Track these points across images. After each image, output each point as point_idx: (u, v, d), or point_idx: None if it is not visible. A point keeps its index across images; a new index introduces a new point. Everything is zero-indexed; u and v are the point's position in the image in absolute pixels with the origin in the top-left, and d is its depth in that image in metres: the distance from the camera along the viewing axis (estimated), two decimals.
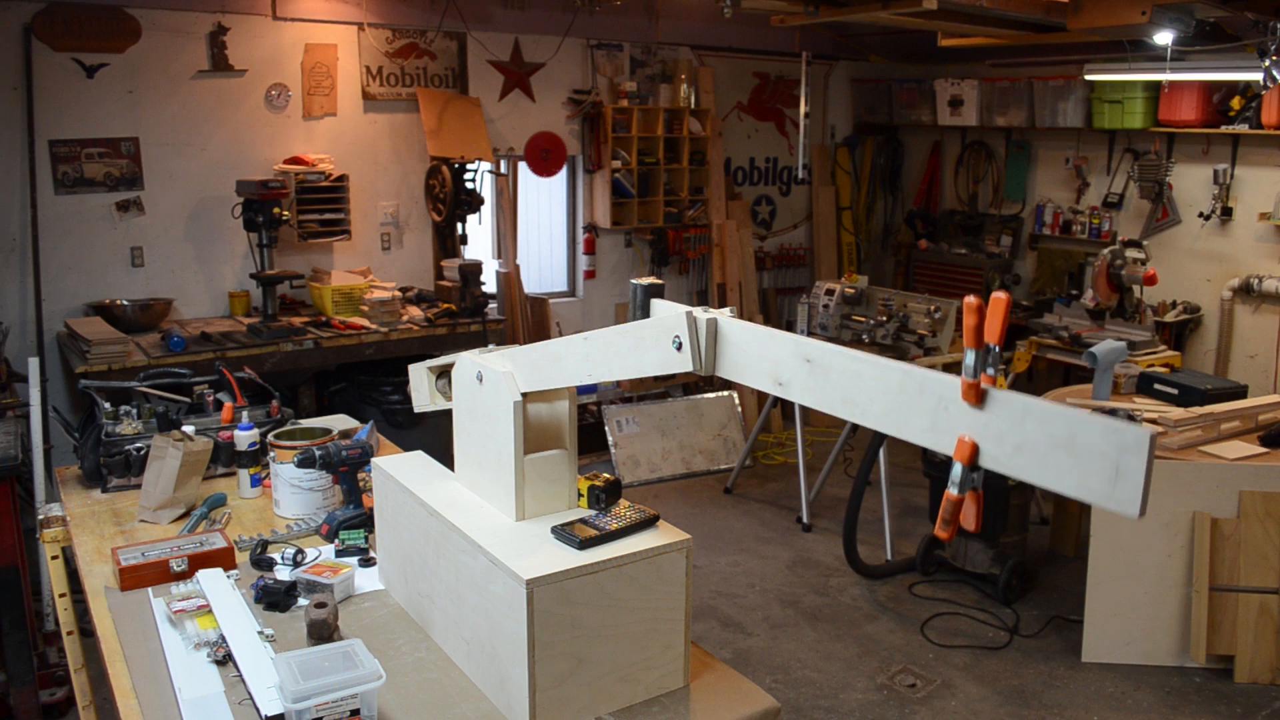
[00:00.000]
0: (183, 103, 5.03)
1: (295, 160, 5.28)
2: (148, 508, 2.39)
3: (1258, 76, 4.31)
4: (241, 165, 5.18)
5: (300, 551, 2.15)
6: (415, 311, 5.17)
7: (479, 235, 6.04)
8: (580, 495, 1.82)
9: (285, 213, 4.90)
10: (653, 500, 5.56)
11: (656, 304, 1.63)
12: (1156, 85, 5.86)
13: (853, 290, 5.33)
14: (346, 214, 5.35)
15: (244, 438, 2.53)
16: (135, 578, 2.03)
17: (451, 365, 1.99)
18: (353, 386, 5.05)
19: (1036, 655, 3.95)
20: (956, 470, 1.08)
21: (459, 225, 5.54)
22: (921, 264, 7.68)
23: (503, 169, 6.10)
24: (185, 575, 2.06)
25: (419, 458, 2.10)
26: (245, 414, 2.73)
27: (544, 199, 6.64)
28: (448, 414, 2.02)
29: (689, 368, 1.43)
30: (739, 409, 6.31)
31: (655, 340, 1.48)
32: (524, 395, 1.72)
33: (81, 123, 4.80)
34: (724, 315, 1.43)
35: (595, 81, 6.38)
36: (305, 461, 2.27)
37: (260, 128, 5.27)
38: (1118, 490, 0.95)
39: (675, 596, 1.69)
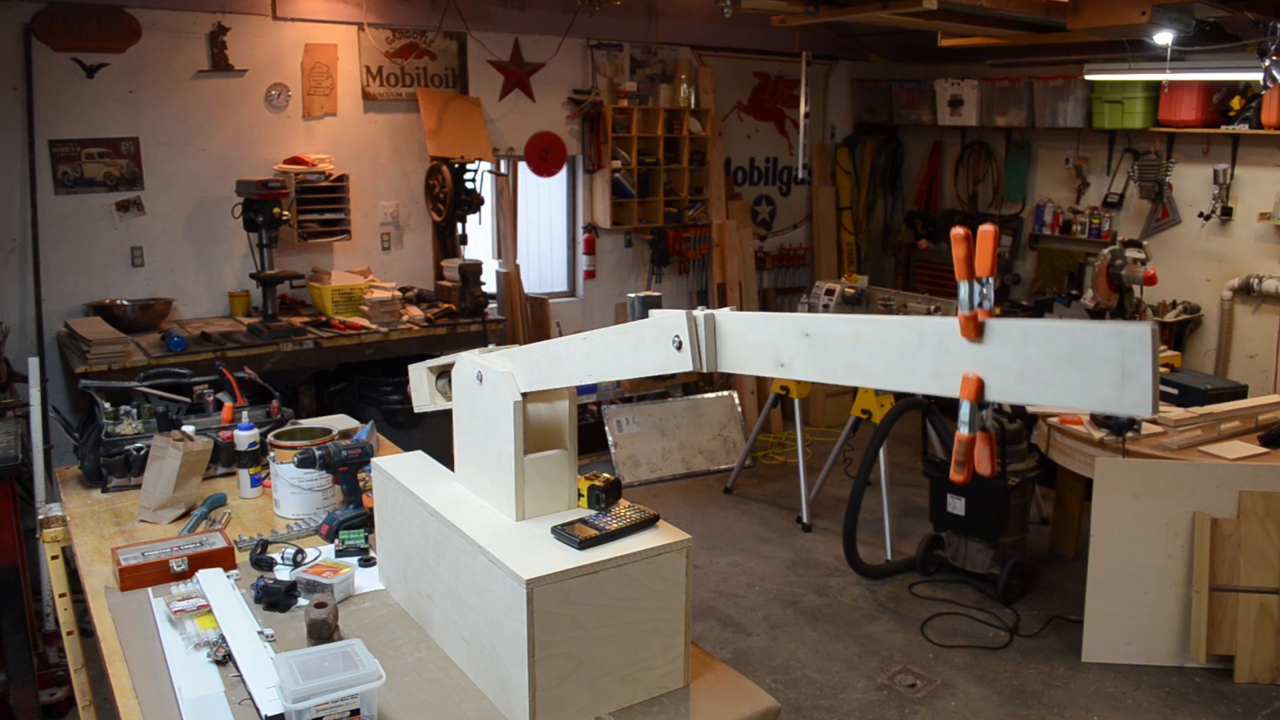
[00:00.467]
0: (183, 103, 5.03)
1: (295, 160, 5.28)
2: (148, 508, 2.39)
3: (1258, 76, 4.31)
4: (241, 165, 5.18)
5: (300, 551, 2.15)
6: (415, 311, 5.17)
7: (479, 235, 6.04)
8: (580, 495, 1.82)
9: (285, 213, 4.89)
10: (653, 500, 5.56)
11: (655, 314, 1.64)
12: (1156, 85, 5.86)
13: (853, 290, 5.33)
14: (346, 214, 5.35)
15: (244, 438, 2.53)
16: (135, 578, 2.03)
17: (451, 365, 1.99)
18: (353, 386, 5.06)
19: (1036, 655, 3.95)
20: (964, 409, 1.07)
21: (459, 225, 5.54)
22: (921, 264, 7.68)
23: (503, 169, 6.10)
24: (185, 575, 2.06)
25: (419, 458, 2.09)
26: (245, 414, 2.73)
27: (544, 199, 6.64)
28: (448, 414, 2.02)
29: (689, 367, 1.43)
30: (739, 409, 6.31)
31: (655, 340, 1.48)
32: (524, 395, 1.72)
33: (81, 123, 4.80)
34: (722, 311, 1.44)
35: (595, 81, 6.38)
36: (305, 461, 2.27)
37: (260, 128, 5.27)
38: (1127, 392, 0.95)
39: (675, 596, 1.69)
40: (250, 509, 2.50)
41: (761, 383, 6.78)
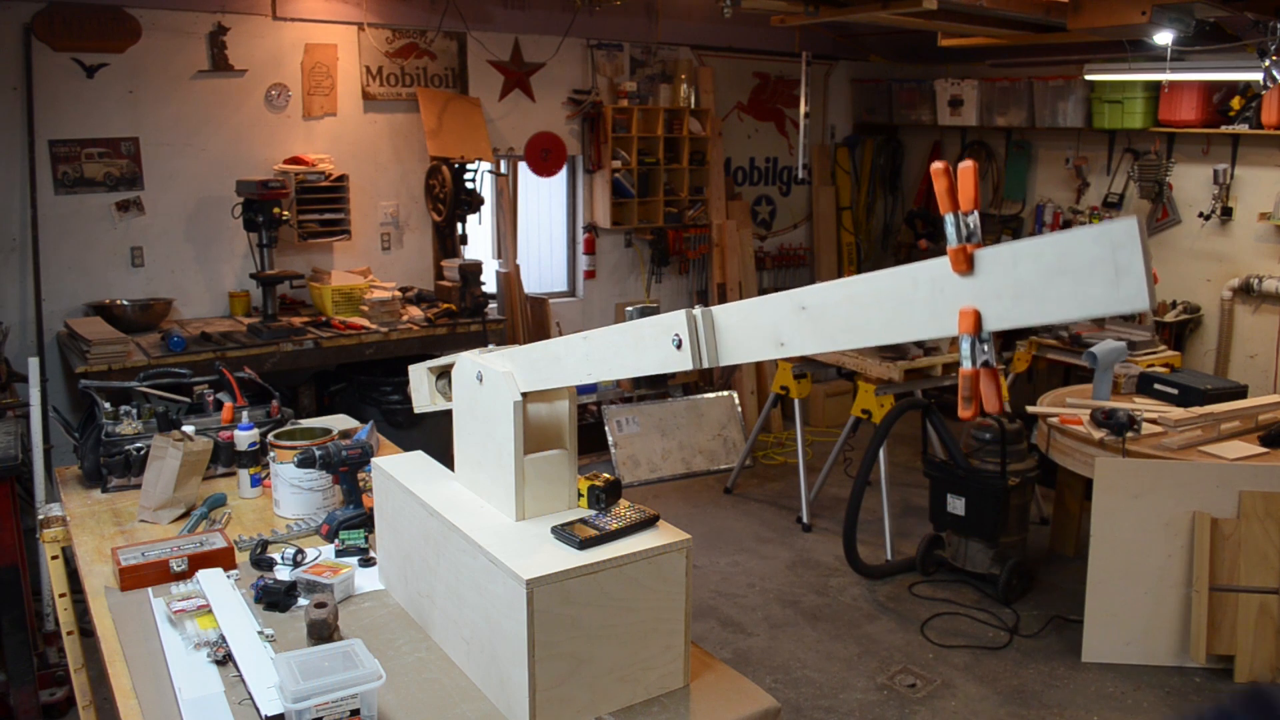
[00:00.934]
0: (183, 103, 5.03)
1: (295, 160, 5.28)
2: (148, 508, 2.39)
3: (1258, 76, 4.31)
4: (241, 165, 5.18)
5: (300, 551, 2.15)
6: (415, 311, 5.17)
7: (479, 235, 6.04)
8: (580, 495, 1.82)
9: (285, 213, 4.90)
10: (653, 500, 5.56)
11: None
12: (1156, 85, 5.86)
13: None
14: (346, 214, 5.35)
15: (244, 438, 2.53)
16: (135, 578, 2.03)
17: (451, 366, 1.99)
18: (353, 386, 5.06)
19: (1036, 655, 3.95)
20: (964, 346, 1.07)
21: (459, 225, 5.54)
22: None
23: (503, 169, 6.10)
24: (185, 575, 2.06)
25: (419, 458, 2.09)
26: (245, 414, 2.73)
27: (544, 199, 6.64)
28: (448, 414, 2.02)
29: (689, 366, 1.43)
30: (739, 409, 6.31)
31: (655, 339, 1.48)
32: (524, 395, 1.72)
33: (81, 123, 4.80)
34: (718, 306, 1.44)
35: (595, 81, 6.38)
36: (305, 461, 2.27)
37: (260, 128, 5.27)
38: (1121, 289, 0.95)
39: (675, 596, 1.69)
40: (250, 509, 2.50)
41: (761, 382, 6.78)
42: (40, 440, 3.51)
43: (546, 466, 1.78)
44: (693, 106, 6.68)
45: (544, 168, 6.27)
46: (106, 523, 2.40)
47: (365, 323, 4.92)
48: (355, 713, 1.52)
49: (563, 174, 6.51)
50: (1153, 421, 4.00)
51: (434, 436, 4.24)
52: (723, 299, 6.89)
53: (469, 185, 5.47)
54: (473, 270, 5.22)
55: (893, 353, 4.98)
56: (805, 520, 5.23)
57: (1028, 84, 6.57)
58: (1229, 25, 4.83)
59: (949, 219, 1.07)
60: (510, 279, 6.15)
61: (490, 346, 1.94)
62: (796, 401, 5.32)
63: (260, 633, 1.82)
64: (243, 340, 4.57)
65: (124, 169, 4.92)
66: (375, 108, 5.61)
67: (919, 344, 5.03)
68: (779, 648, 4.00)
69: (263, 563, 2.12)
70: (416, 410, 2.28)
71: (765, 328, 1.35)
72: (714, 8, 5.06)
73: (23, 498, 3.56)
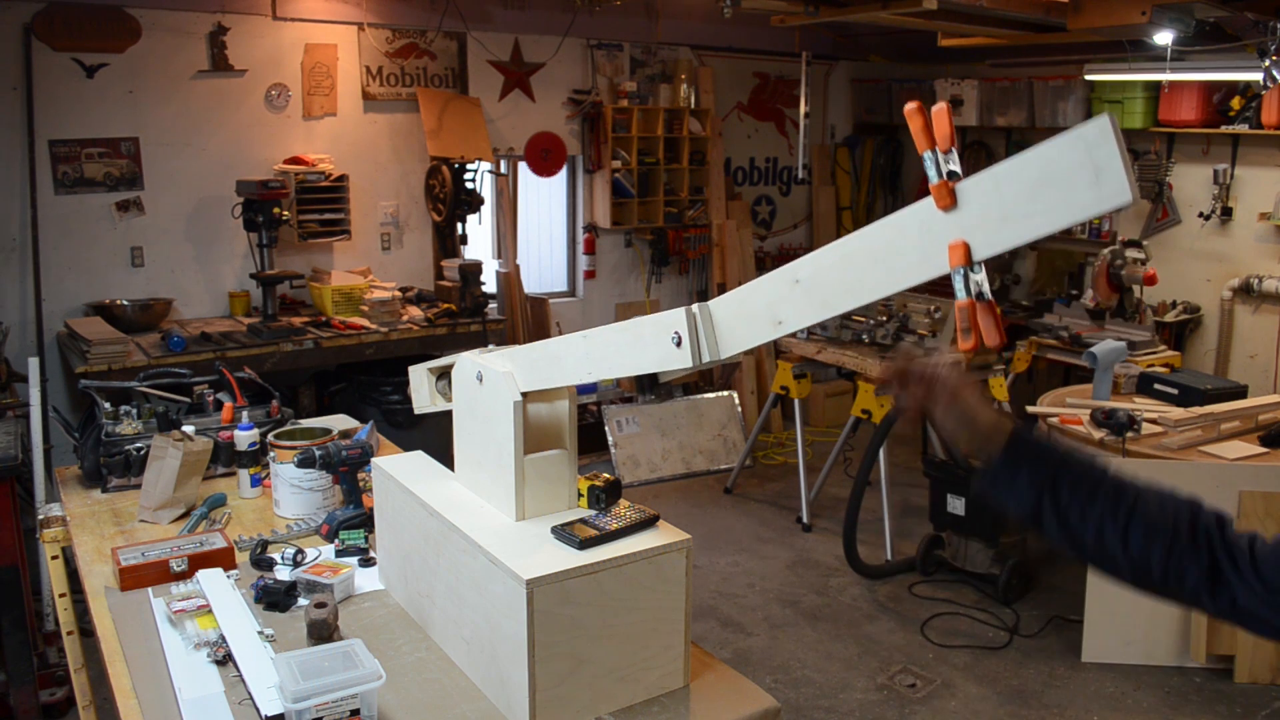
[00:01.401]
0: (183, 103, 5.03)
1: (295, 160, 5.28)
2: (148, 508, 2.39)
3: (1258, 76, 4.31)
4: (241, 165, 5.18)
5: (300, 551, 2.15)
6: (415, 311, 5.17)
7: (479, 235, 6.04)
8: (580, 495, 1.82)
9: (285, 213, 4.90)
10: (653, 500, 5.56)
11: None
12: (1156, 85, 5.86)
13: None
14: (346, 214, 5.35)
15: (244, 438, 2.53)
16: (135, 578, 2.03)
17: (451, 367, 1.99)
18: (353, 386, 5.05)
19: (1036, 655, 3.95)
20: (957, 278, 1.07)
21: (459, 225, 5.54)
22: None
23: (503, 169, 6.10)
24: (185, 575, 2.06)
25: (419, 458, 2.09)
26: (245, 414, 2.73)
27: (544, 199, 6.64)
28: (448, 414, 2.02)
29: (688, 363, 1.42)
30: (739, 409, 6.31)
31: (655, 337, 1.48)
32: (524, 395, 1.72)
33: (81, 123, 4.80)
34: (714, 300, 1.44)
35: (595, 81, 6.38)
36: (305, 461, 2.27)
37: (260, 128, 5.26)
38: (1103, 188, 0.95)
39: (675, 596, 1.69)
40: (250, 509, 2.50)
41: (762, 382, 6.78)
42: (40, 440, 3.50)
43: (546, 466, 1.78)
44: (693, 106, 6.68)
45: (544, 168, 6.27)
46: (106, 523, 2.40)
47: (365, 323, 4.92)
48: (355, 713, 1.52)
49: (563, 174, 6.50)
50: (1153, 421, 4.00)
51: (434, 436, 4.23)
52: None
53: (469, 185, 5.47)
54: (473, 270, 5.22)
55: (893, 353, 4.98)
56: (805, 520, 5.23)
57: (1028, 84, 6.56)
58: (1229, 25, 4.83)
59: (927, 156, 1.07)
60: (510, 279, 6.15)
61: (490, 346, 1.94)
62: (796, 401, 5.31)
63: (260, 633, 1.82)
64: (243, 340, 4.57)
65: (124, 169, 4.92)
66: (375, 108, 5.61)
67: (919, 343, 5.02)
68: (779, 648, 4.01)
69: (263, 563, 2.11)
70: (417, 411, 2.28)
71: (762, 310, 1.35)
72: (714, 8, 5.06)
73: (23, 498, 3.56)
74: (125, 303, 4.85)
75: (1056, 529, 1.24)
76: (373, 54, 5.55)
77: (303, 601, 1.96)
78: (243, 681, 1.67)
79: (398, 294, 5.10)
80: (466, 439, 1.90)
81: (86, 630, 2.30)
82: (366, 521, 2.27)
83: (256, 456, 2.55)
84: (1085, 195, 0.97)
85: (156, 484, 2.38)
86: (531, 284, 6.51)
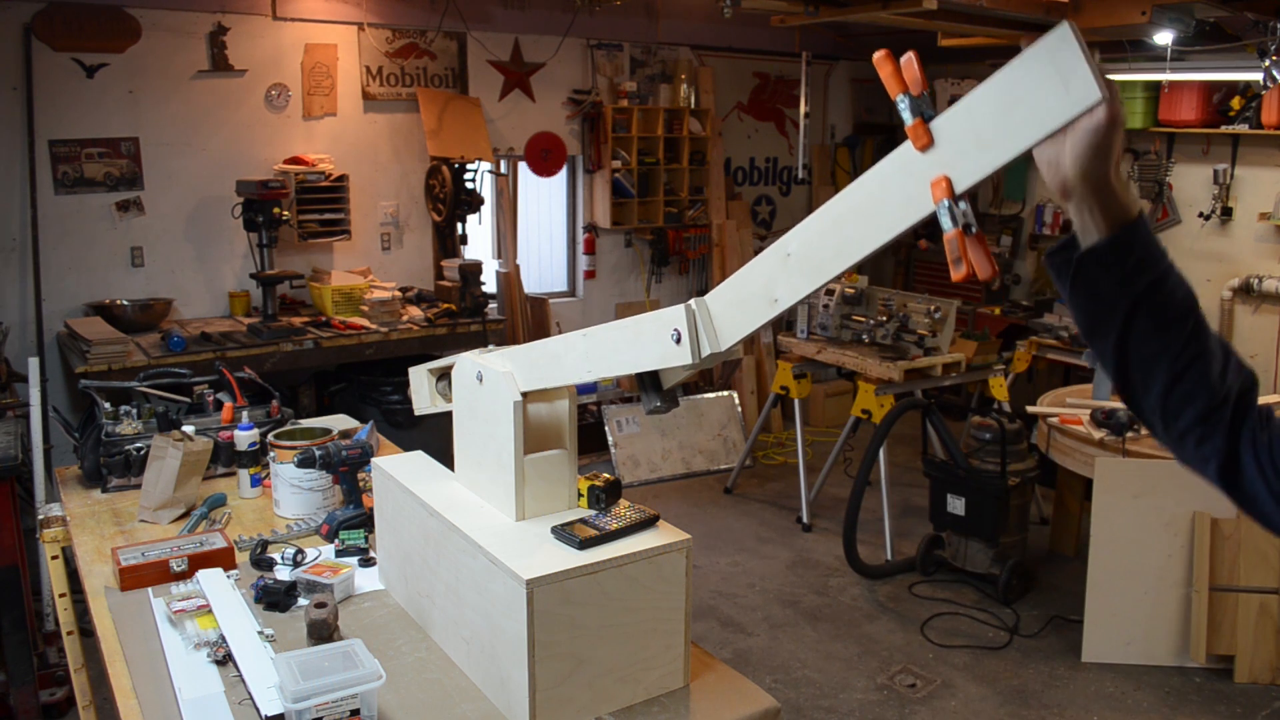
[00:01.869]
0: (183, 103, 5.03)
1: (295, 160, 5.28)
2: (148, 508, 2.39)
3: (1258, 76, 4.31)
4: (241, 165, 5.18)
5: (300, 551, 2.15)
6: (415, 311, 5.17)
7: (479, 235, 6.04)
8: (580, 495, 1.82)
9: (285, 213, 4.90)
10: (653, 500, 5.56)
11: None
12: (1156, 85, 5.86)
13: (853, 290, 5.33)
14: (346, 214, 5.35)
15: (244, 438, 2.53)
16: (135, 578, 2.03)
17: (451, 368, 1.98)
18: (353, 386, 5.05)
19: (1036, 655, 3.95)
20: (942, 211, 1.06)
21: (459, 225, 5.54)
22: (921, 264, 7.68)
23: (503, 169, 6.10)
24: (185, 575, 2.06)
25: (419, 458, 2.09)
26: (245, 414, 2.73)
27: (544, 199, 6.64)
28: (448, 414, 2.02)
29: (688, 360, 1.42)
30: (739, 409, 6.31)
31: (654, 335, 1.48)
32: (524, 395, 1.72)
33: (81, 123, 4.80)
34: (710, 295, 1.44)
35: (595, 81, 6.38)
36: (305, 461, 2.27)
37: (260, 128, 5.27)
38: (1072, 92, 0.95)
39: (675, 596, 1.69)
40: (250, 509, 2.50)
41: (762, 382, 6.78)
42: (40, 440, 3.51)
43: (546, 466, 1.77)
44: (693, 106, 6.68)
45: (544, 168, 6.27)
46: (106, 523, 2.40)
47: (365, 323, 4.92)
48: (355, 713, 1.52)
49: (563, 174, 6.50)
50: None
51: (434, 436, 4.22)
52: None
53: (469, 185, 5.47)
54: (473, 270, 5.22)
55: (893, 353, 4.98)
56: (805, 520, 5.23)
57: None
58: (1229, 25, 4.83)
59: (900, 99, 1.07)
60: (510, 279, 6.15)
61: (490, 346, 1.94)
62: (796, 401, 5.31)
63: (260, 633, 1.82)
64: (243, 340, 4.57)
65: (124, 169, 4.92)
66: (375, 108, 5.61)
67: (919, 343, 5.03)
68: (779, 648, 4.00)
69: (263, 563, 2.11)
70: (417, 412, 2.27)
71: (758, 287, 1.35)
72: (714, 8, 5.06)
73: (23, 498, 3.56)
74: (125, 303, 4.85)
75: (1115, 334, 1.14)
76: (373, 54, 5.55)
77: (303, 601, 1.96)
78: (243, 681, 1.67)
79: (398, 294, 5.10)
80: (466, 439, 1.90)
81: (86, 630, 2.30)
82: (366, 521, 2.27)
83: (256, 456, 2.55)
84: (1055, 103, 0.97)
85: (156, 484, 2.38)
86: (531, 284, 6.51)
